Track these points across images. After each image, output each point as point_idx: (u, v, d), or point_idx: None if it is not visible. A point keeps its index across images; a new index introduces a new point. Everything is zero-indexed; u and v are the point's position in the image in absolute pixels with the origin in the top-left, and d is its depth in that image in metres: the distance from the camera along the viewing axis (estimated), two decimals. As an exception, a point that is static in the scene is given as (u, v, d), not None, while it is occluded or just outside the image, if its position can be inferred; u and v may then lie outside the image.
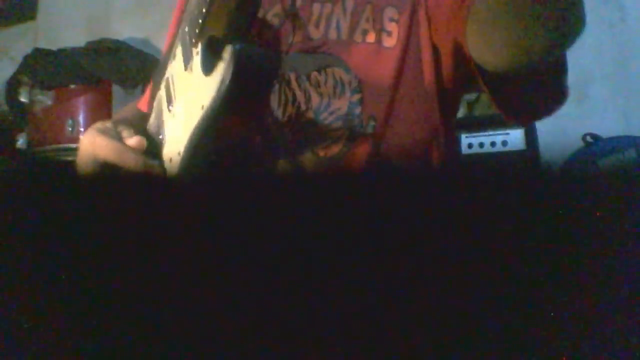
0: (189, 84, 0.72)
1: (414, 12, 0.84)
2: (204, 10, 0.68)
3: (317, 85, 0.82)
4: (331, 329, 0.41)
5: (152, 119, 0.84)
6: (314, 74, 0.82)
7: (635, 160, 1.67)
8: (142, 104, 1.03)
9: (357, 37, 0.84)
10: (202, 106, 0.64)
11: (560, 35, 0.67)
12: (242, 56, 0.62)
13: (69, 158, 2.05)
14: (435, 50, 0.83)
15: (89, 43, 2.31)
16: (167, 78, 0.81)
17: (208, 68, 0.67)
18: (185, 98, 0.72)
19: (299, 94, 0.81)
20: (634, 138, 1.75)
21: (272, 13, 0.87)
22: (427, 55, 0.83)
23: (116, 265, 0.41)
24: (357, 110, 0.81)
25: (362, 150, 0.79)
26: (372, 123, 0.81)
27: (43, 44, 2.47)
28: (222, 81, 0.62)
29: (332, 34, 0.83)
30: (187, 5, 0.81)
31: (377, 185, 0.40)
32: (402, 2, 0.85)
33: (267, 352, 0.40)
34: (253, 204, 0.39)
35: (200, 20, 0.69)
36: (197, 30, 0.70)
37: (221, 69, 0.63)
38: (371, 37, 0.83)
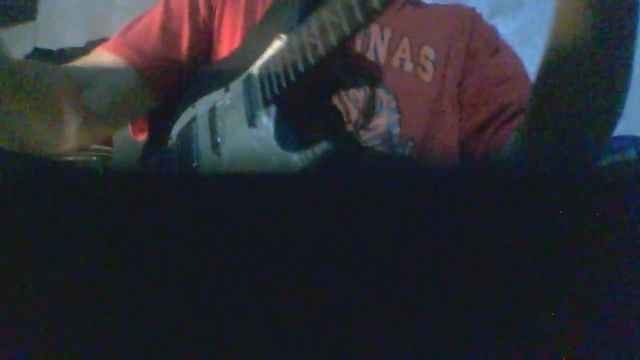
0: (248, 138, 0.70)
1: (449, 53, 0.84)
2: (292, 78, 0.66)
3: (356, 101, 0.80)
4: (353, 331, 0.41)
5: (176, 129, 0.82)
6: (353, 90, 0.81)
7: (635, 160, 1.67)
8: (138, 135, 0.95)
9: (395, 62, 0.83)
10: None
11: (609, 129, 0.67)
12: (330, 158, 0.61)
13: (69, 158, 2.05)
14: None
15: (89, 43, 2.31)
16: (213, 109, 0.77)
17: (284, 144, 0.65)
18: (240, 150, 0.71)
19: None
20: (634, 138, 1.75)
21: None
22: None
23: (119, 264, 0.41)
24: (396, 130, 0.80)
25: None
26: (410, 144, 0.80)
27: (43, 44, 2.47)
28: (300, 169, 0.61)
29: (370, 55, 0.82)
30: (257, 41, 0.77)
31: (408, 197, 0.41)
32: (439, 42, 0.84)
33: (274, 353, 0.40)
34: (292, 212, 0.40)
35: (284, 84, 0.67)
36: (276, 91, 0.68)
37: (303, 158, 0.62)
38: (409, 67, 0.82)
